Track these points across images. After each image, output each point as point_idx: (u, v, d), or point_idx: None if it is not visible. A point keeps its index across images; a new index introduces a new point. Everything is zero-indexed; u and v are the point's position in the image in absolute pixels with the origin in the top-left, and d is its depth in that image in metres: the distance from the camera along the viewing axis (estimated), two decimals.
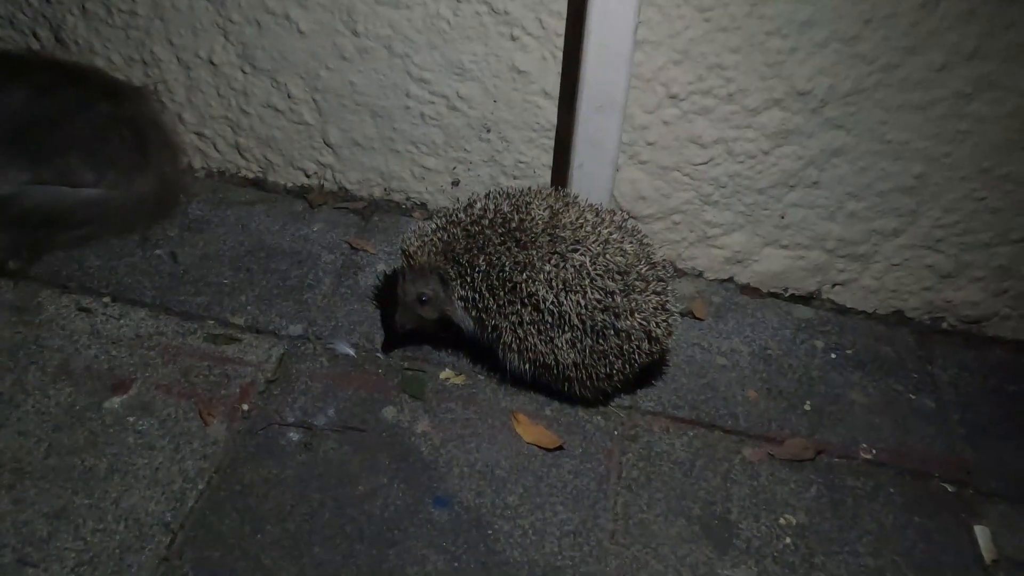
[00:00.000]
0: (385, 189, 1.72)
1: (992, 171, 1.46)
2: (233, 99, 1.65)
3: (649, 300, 1.27)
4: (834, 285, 1.65)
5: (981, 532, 1.27)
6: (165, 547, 1.10)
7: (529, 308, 1.25)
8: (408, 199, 1.72)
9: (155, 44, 1.61)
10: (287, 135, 1.68)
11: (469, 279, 1.27)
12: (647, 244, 1.31)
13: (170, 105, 1.67)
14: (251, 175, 1.76)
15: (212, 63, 1.62)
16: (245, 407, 1.31)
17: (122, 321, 1.42)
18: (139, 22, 1.59)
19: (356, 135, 1.65)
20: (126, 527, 1.12)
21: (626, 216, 1.34)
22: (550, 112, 1.54)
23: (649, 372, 1.43)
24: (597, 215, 1.29)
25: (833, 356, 1.56)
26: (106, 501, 1.15)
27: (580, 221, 1.26)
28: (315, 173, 1.73)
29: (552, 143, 1.57)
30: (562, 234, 1.24)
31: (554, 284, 1.23)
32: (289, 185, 1.75)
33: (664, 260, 1.34)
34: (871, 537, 1.24)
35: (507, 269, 1.24)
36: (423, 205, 1.72)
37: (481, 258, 1.25)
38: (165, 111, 1.65)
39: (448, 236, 1.28)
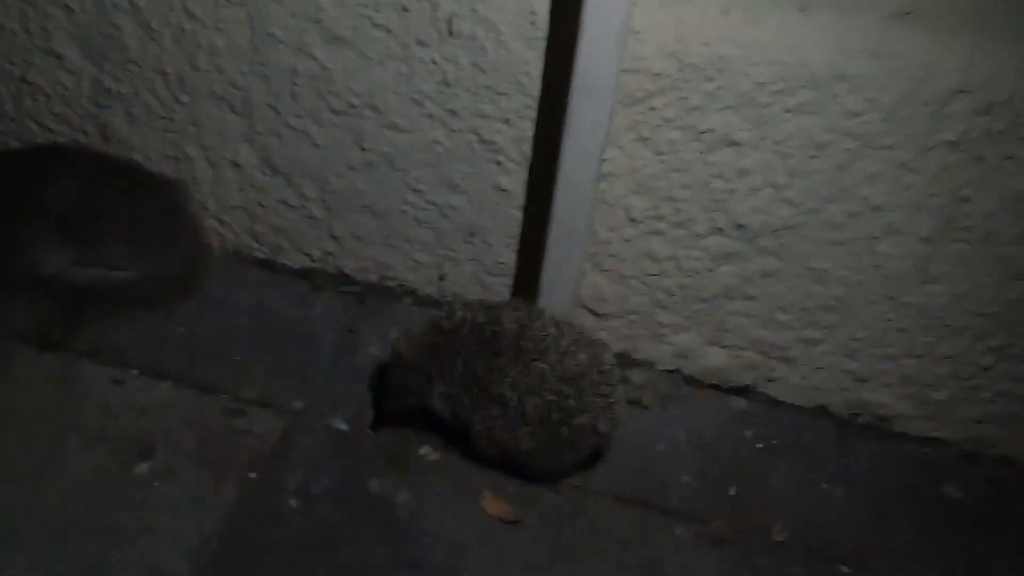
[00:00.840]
0: (380, 276, 1.96)
1: (897, 298, 1.72)
2: (252, 194, 1.90)
3: (597, 402, 1.52)
4: (767, 380, 1.90)
5: None
6: None
7: (496, 405, 1.50)
8: (401, 286, 1.97)
9: (188, 145, 1.86)
10: (296, 226, 1.93)
11: (448, 378, 1.52)
12: (600, 353, 1.56)
13: (197, 196, 1.91)
14: (262, 256, 2.00)
15: (236, 164, 1.86)
16: (252, 475, 1.54)
17: (149, 392, 1.66)
18: (175, 126, 1.84)
19: (358, 230, 1.90)
20: None
21: (582, 331, 1.59)
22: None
23: (599, 456, 1.67)
24: (558, 328, 1.54)
25: (760, 445, 1.81)
26: (134, 556, 1.38)
27: (543, 334, 1.51)
28: (319, 259, 1.97)
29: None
30: (527, 345, 1.49)
31: (518, 387, 1.48)
32: (296, 267, 1.99)
33: (613, 366, 1.58)
34: None
35: (480, 372, 1.49)
36: (413, 292, 1.97)
37: (459, 361, 1.50)
38: (192, 201, 1.89)
39: (432, 341, 1.53)
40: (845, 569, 1.58)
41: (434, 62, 1.66)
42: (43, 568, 1.33)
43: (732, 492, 1.69)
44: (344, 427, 1.66)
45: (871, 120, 1.54)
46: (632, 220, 1.74)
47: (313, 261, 1.98)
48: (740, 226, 1.70)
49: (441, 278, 1.92)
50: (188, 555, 1.39)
